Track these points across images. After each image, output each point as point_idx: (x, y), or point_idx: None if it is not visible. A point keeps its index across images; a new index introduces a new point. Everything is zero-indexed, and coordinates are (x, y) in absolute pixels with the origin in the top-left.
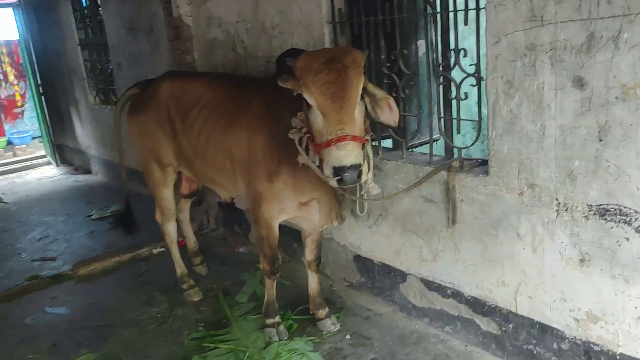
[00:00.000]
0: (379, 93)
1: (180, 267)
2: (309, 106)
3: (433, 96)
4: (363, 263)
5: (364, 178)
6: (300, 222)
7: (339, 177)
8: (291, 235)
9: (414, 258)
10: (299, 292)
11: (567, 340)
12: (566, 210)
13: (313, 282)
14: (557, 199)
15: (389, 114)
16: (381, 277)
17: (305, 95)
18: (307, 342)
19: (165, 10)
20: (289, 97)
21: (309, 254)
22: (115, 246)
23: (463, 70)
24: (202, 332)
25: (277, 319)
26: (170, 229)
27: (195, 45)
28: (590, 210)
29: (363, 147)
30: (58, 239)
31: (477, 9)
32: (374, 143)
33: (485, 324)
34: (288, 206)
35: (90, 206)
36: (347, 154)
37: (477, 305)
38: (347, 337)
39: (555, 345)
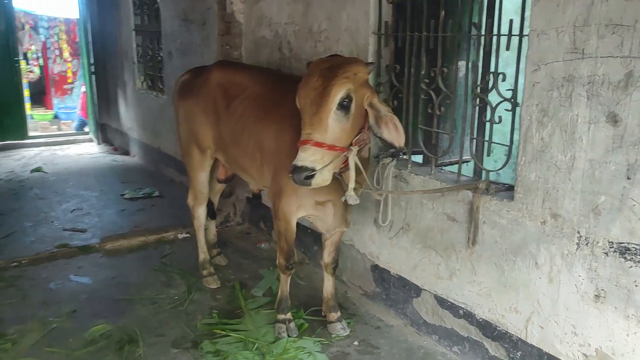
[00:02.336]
0: (384, 109)
1: (203, 253)
2: None
3: (467, 117)
4: (380, 273)
5: (317, 182)
6: (315, 222)
7: (291, 175)
8: (312, 237)
9: (431, 274)
10: (314, 293)
11: None
12: (587, 244)
13: (328, 284)
14: (578, 232)
15: (395, 134)
16: (396, 290)
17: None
18: (315, 343)
19: (220, 5)
20: None
21: (327, 256)
22: (143, 226)
23: (500, 94)
24: (215, 318)
25: (289, 315)
26: (201, 213)
27: (244, 42)
28: (610, 247)
29: (345, 155)
30: (90, 213)
31: (520, 35)
32: (404, 156)
33: (494, 349)
34: (305, 203)
35: (124, 186)
36: (303, 157)
37: (487, 328)
38: (355, 343)
39: None
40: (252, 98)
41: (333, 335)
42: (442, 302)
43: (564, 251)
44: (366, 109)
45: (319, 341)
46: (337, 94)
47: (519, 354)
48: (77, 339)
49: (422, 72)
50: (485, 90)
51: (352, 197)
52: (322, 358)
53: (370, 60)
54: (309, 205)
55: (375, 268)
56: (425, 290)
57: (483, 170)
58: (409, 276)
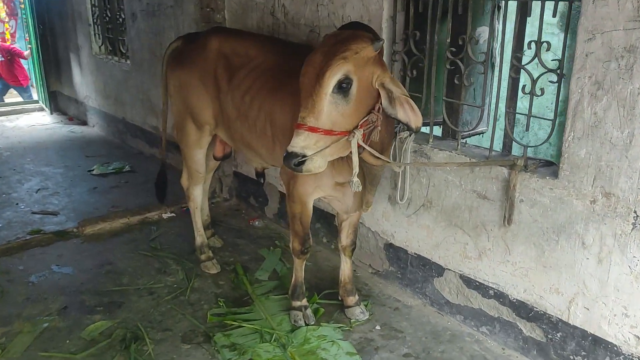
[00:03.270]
0: (397, 90)
1: (201, 236)
2: None
3: (502, 88)
4: (395, 252)
5: (309, 169)
6: (333, 203)
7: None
8: (314, 214)
9: (456, 254)
10: (321, 275)
11: (622, 357)
12: None
13: (346, 267)
14: (635, 212)
15: (411, 114)
16: (414, 269)
17: None
18: (336, 329)
19: None
20: None
21: (345, 239)
22: (122, 206)
23: (544, 65)
24: (223, 308)
25: (305, 302)
26: (197, 194)
27: (228, 4)
28: None
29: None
30: (58, 193)
31: (570, 0)
32: (425, 130)
33: (529, 329)
34: (324, 184)
35: (89, 160)
36: (295, 142)
37: (522, 309)
38: (377, 327)
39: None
40: (263, 69)
41: (352, 320)
42: (468, 282)
43: (617, 231)
44: (377, 89)
45: (339, 327)
46: (332, 77)
47: (558, 335)
48: (74, 339)
49: (448, 40)
50: (519, 60)
51: (355, 183)
52: (346, 346)
53: (384, 26)
54: (327, 186)
55: (390, 247)
56: (449, 269)
57: (514, 145)
58: (430, 255)
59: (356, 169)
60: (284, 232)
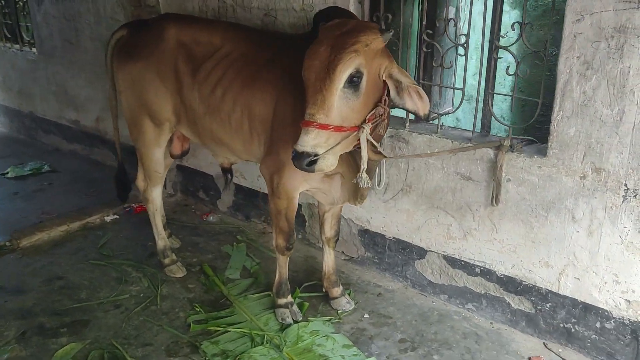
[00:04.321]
0: (406, 80)
1: (162, 240)
2: None
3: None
4: (371, 238)
5: (321, 168)
6: (317, 195)
7: (292, 160)
8: None
9: (439, 235)
10: (294, 267)
11: (612, 320)
12: (635, 196)
13: (329, 259)
14: (626, 185)
15: (419, 103)
16: (392, 253)
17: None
18: (326, 323)
19: None
20: None
21: (329, 230)
22: (53, 211)
23: (528, 46)
24: (202, 314)
25: (290, 298)
26: (156, 195)
27: None
28: None
29: (353, 136)
30: None
31: None
32: (401, 113)
33: (517, 302)
34: (313, 177)
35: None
36: (304, 141)
37: (510, 284)
38: (366, 316)
39: (598, 324)
40: (232, 59)
41: (339, 311)
42: (453, 261)
43: (608, 204)
44: (384, 80)
45: (328, 320)
46: (345, 71)
47: (548, 305)
48: None
49: (424, 22)
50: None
51: (365, 180)
52: (341, 339)
53: (352, 9)
54: (316, 178)
55: (365, 232)
56: (432, 251)
57: (492, 126)
58: (410, 239)
59: (365, 165)
60: (243, 225)
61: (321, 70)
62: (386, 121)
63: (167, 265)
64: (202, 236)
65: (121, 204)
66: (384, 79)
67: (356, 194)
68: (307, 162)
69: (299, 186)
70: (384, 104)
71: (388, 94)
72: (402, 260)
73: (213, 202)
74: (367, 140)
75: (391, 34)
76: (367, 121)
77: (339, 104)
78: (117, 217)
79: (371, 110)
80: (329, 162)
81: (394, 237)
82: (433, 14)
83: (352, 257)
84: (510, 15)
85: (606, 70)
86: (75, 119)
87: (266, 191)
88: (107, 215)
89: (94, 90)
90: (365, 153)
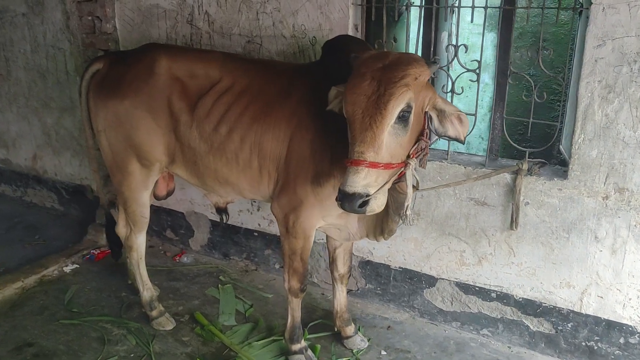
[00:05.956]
0: (449, 109)
1: (149, 290)
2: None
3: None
4: (374, 269)
5: (373, 209)
6: (330, 231)
7: (340, 202)
8: (262, 240)
9: (451, 262)
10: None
11: (637, 335)
12: None
13: (342, 296)
14: None
15: (460, 128)
16: (398, 283)
17: (343, 100)
18: None
19: None
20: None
21: (342, 267)
22: None
23: (545, 70)
24: None
25: (304, 343)
26: (141, 242)
27: (119, 11)
28: None
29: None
30: None
31: (575, 8)
32: None
33: (536, 325)
34: (332, 213)
35: None
36: (355, 181)
37: (528, 306)
38: (383, 352)
39: (622, 340)
40: (236, 93)
41: (355, 351)
42: (466, 288)
43: (632, 222)
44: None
45: None
46: (397, 107)
47: (569, 325)
48: None
49: (432, 49)
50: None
51: (409, 217)
52: None
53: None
54: (333, 215)
55: (367, 264)
56: (443, 279)
57: (497, 151)
58: (418, 268)
59: (409, 202)
60: (222, 264)
61: (369, 105)
62: (428, 155)
63: (155, 317)
64: (181, 280)
65: (84, 254)
66: (426, 110)
67: (382, 229)
68: (359, 203)
69: (317, 224)
70: (426, 137)
71: (428, 126)
72: (409, 290)
73: (184, 242)
74: (413, 175)
75: (438, 66)
76: (411, 156)
77: (388, 141)
78: (77, 266)
79: (414, 145)
80: (380, 202)
81: (400, 267)
82: (428, 39)
83: (350, 290)
84: (486, 38)
85: (628, 94)
86: (5, 158)
87: (249, 227)
88: (66, 266)
89: (29, 126)
90: (411, 190)
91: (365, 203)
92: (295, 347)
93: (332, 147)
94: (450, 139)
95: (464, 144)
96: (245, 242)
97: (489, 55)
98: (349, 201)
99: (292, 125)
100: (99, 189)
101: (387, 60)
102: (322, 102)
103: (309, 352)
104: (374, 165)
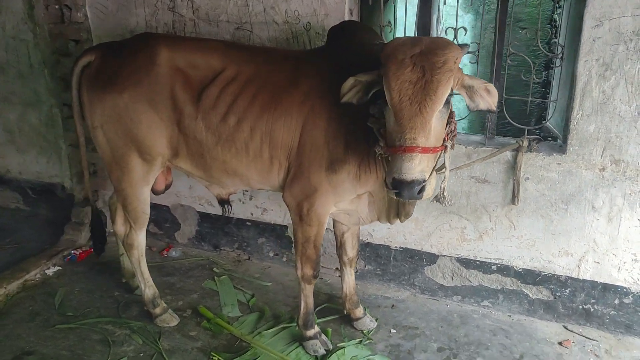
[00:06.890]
0: (477, 83)
1: (151, 287)
2: (385, 100)
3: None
4: (374, 250)
5: (428, 194)
6: (339, 217)
7: (396, 191)
8: (255, 229)
9: (452, 239)
10: (291, 292)
11: (631, 295)
12: None
13: (350, 280)
14: None
15: (489, 99)
16: (398, 263)
17: (385, 88)
18: (359, 346)
19: None
20: (349, 73)
21: (351, 250)
22: None
23: (550, 50)
24: None
25: (317, 328)
26: (142, 239)
27: None
28: None
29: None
30: None
31: None
32: None
33: (535, 292)
34: (345, 198)
35: None
36: (411, 168)
37: (528, 276)
38: (393, 331)
39: (617, 301)
40: (242, 83)
41: (365, 331)
42: (467, 263)
43: (627, 191)
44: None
45: (359, 342)
46: (445, 92)
47: (567, 290)
48: None
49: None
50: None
51: (447, 197)
52: None
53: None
54: (347, 201)
55: (366, 246)
56: (444, 255)
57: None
58: (419, 246)
59: (447, 183)
60: (213, 256)
61: (416, 92)
62: (456, 135)
63: (159, 315)
64: (174, 275)
65: (64, 255)
66: (457, 90)
67: (398, 212)
68: (418, 189)
69: (330, 210)
70: (454, 118)
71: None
72: (409, 269)
73: (169, 236)
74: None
75: (468, 48)
76: (446, 138)
77: (436, 124)
78: (60, 268)
79: (446, 127)
80: (433, 185)
81: (400, 247)
82: (420, 23)
83: None
84: (463, 19)
85: (624, 71)
86: None
87: (241, 217)
88: (47, 269)
89: None
90: (448, 171)
91: (422, 189)
92: (310, 332)
93: (345, 134)
94: (482, 111)
95: (496, 113)
96: (237, 232)
97: (471, 37)
98: (408, 188)
99: (303, 113)
100: (88, 187)
101: (422, 46)
102: (331, 89)
103: (323, 336)
104: (425, 150)
